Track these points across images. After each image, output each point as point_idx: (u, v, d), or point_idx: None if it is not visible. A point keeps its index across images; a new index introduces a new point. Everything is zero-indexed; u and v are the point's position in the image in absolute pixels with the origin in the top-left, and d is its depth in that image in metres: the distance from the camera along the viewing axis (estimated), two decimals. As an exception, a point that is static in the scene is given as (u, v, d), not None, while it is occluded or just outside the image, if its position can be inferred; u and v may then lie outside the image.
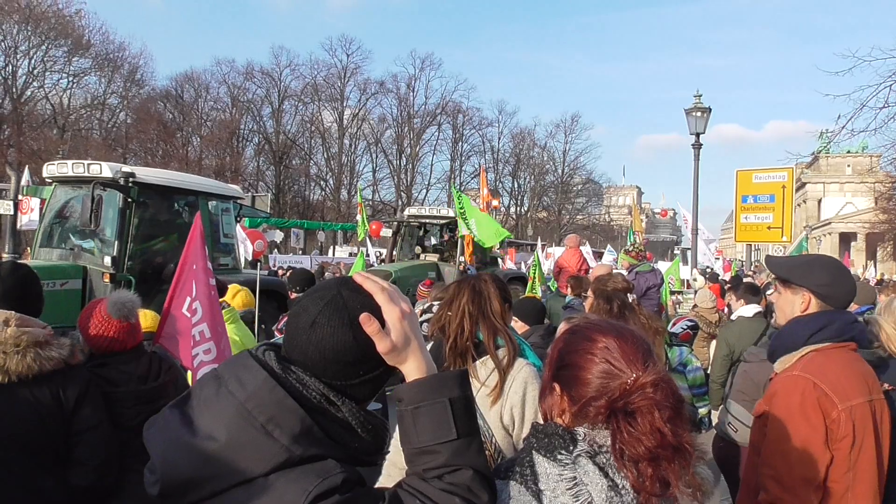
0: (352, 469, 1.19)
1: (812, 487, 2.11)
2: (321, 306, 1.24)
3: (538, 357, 2.86)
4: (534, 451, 1.32)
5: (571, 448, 1.29)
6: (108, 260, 7.24)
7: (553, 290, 10.36)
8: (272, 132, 53.09)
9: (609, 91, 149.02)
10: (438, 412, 1.19)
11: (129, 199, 7.46)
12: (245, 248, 17.02)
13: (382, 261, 16.51)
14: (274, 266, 21.14)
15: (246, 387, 1.19)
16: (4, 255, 8.11)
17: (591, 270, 8.48)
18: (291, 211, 50.46)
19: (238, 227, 18.03)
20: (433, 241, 15.92)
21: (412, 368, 1.25)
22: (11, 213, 8.22)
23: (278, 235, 23.38)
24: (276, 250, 20.70)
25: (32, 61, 40.29)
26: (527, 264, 19.31)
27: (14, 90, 39.57)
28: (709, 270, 17.81)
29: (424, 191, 57.79)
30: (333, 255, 30.78)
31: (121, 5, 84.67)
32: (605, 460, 1.27)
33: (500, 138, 60.44)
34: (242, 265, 10.49)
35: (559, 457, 1.28)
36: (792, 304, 2.43)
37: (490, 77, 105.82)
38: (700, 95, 15.35)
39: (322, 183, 55.93)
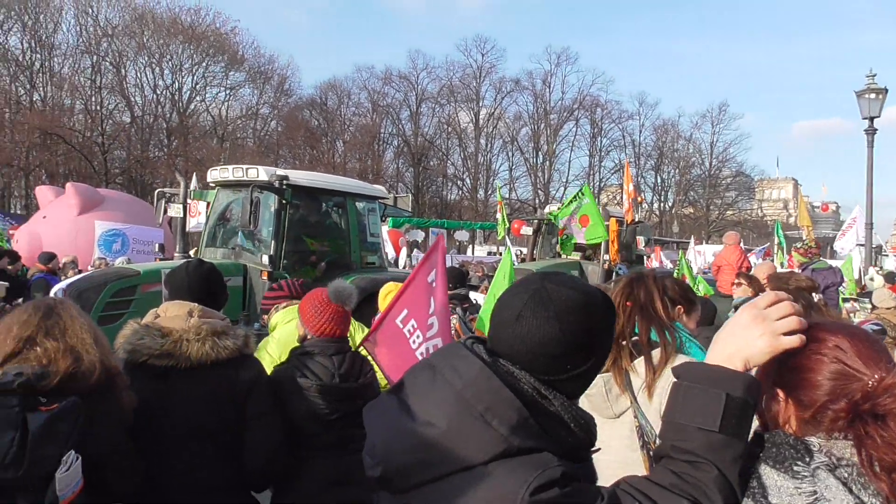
0: (569, 463, 1.19)
1: None
2: (525, 299, 1.25)
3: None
4: (761, 463, 1.22)
5: (808, 459, 1.18)
6: (265, 258, 7.61)
7: (711, 292, 9.72)
8: (410, 135, 54.51)
9: (759, 76, 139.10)
10: (710, 399, 1.16)
11: (284, 201, 7.82)
12: (391, 249, 17.52)
13: (523, 259, 16.33)
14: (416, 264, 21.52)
15: (462, 376, 1.21)
16: (176, 256, 8.74)
17: (752, 269, 7.89)
18: (430, 211, 51.54)
19: (384, 228, 18.75)
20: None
21: (718, 354, 1.22)
22: (182, 215, 8.86)
23: (420, 235, 23.86)
24: (415, 249, 21.15)
25: (195, 77, 44.14)
26: (673, 262, 18.38)
27: (180, 104, 43.55)
28: (882, 269, 16.09)
29: (562, 188, 56.96)
30: (473, 254, 31.06)
31: (270, 21, 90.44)
32: (846, 475, 1.15)
33: (641, 131, 58.29)
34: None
35: (796, 468, 1.18)
36: None
37: (629, 68, 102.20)
38: (874, 75, 13.84)
39: (459, 182, 56.71)
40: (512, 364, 1.24)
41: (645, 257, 16.61)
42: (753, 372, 1.22)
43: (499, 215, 16.16)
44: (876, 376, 1.18)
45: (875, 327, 6.01)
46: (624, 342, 2.50)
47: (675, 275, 11.18)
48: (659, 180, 59.06)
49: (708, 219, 56.53)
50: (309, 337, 3.14)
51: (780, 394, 1.29)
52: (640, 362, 2.46)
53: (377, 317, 4.12)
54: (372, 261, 9.14)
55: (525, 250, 17.12)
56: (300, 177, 8.35)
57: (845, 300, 9.14)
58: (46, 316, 2.20)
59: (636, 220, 13.38)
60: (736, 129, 58.43)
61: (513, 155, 56.98)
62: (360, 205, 9.00)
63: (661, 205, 58.87)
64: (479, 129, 55.85)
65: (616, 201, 48.37)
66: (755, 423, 1.37)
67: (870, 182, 13.93)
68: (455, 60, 55.63)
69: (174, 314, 2.64)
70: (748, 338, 1.20)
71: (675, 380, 1.23)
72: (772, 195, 79.51)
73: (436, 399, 1.22)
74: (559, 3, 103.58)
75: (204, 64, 44.14)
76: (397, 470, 1.22)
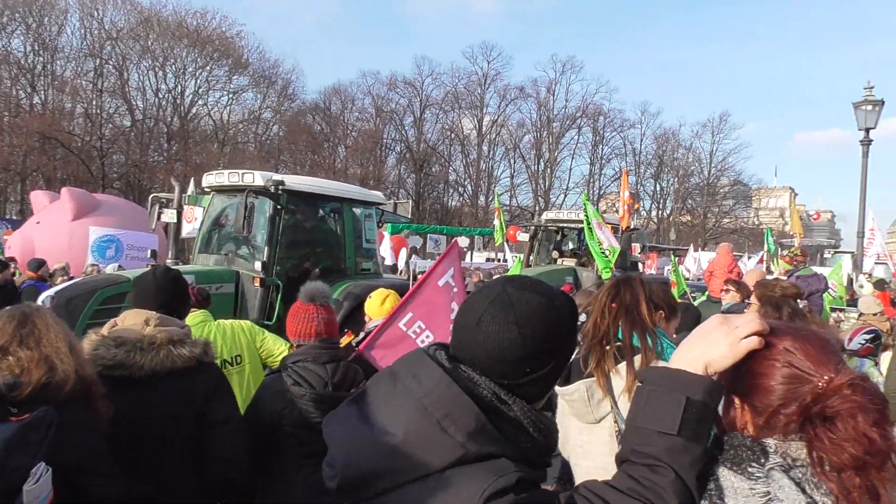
0: (527, 469, 1.19)
1: None
2: (486, 304, 1.25)
3: None
4: (719, 464, 1.24)
5: (763, 461, 1.20)
6: (258, 265, 7.60)
7: (704, 298, 9.75)
8: (413, 141, 54.55)
9: (761, 87, 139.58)
10: (671, 403, 1.16)
11: (279, 206, 7.81)
12: (389, 254, 17.49)
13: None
14: (415, 271, 21.57)
15: (423, 383, 1.21)
16: (168, 261, 8.75)
17: (743, 276, 7.92)
18: (430, 217, 51.52)
19: (385, 234, 18.74)
20: (571, 245, 15.56)
21: (680, 359, 1.23)
22: (175, 221, 8.86)
23: (418, 241, 23.90)
24: (414, 255, 21.17)
25: (198, 81, 44.18)
26: (667, 269, 18.37)
27: (182, 108, 43.57)
28: (872, 277, 16.09)
29: (562, 195, 57.04)
30: (471, 260, 31.03)
31: (276, 25, 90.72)
32: (800, 475, 1.17)
33: (642, 140, 58.41)
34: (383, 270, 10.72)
35: (750, 470, 1.19)
36: None
37: (633, 78, 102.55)
38: (871, 87, 13.90)
39: (460, 189, 56.73)
40: (473, 369, 1.24)
41: (640, 264, 16.65)
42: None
43: (496, 221, 16.23)
44: (826, 377, 1.20)
45: (868, 335, 6.01)
46: (608, 346, 2.50)
47: (670, 279, 11.19)
48: (658, 188, 59.18)
49: (705, 226, 56.54)
50: (295, 347, 3.12)
51: (736, 400, 1.30)
52: (623, 366, 2.46)
53: (374, 324, 4.14)
54: (367, 267, 9.13)
55: (522, 256, 17.10)
56: (296, 182, 8.35)
57: (833, 309, 9.16)
58: (21, 324, 2.19)
59: (631, 227, 13.39)
60: (736, 139, 58.97)
61: (514, 162, 57.07)
62: (356, 210, 9.00)
63: (660, 212, 58.91)
64: (482, 136, 55.90)
65: (615, 209, 48.43)
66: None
67: (863, 192, 13.99)
68: (461, 67, 56.07)
69: (131, 323, 2.63)
70: (711, 342, 1.22)
71: (639, 383, 1.25)
72: (769, 204, 79.43)
73: (395, 407, 1.22)
74: (567, 12, 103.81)
75: (208, 68, 44.22)
76: (355, 480, 1.22)
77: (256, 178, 7.78)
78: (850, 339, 6.01)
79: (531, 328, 1.24)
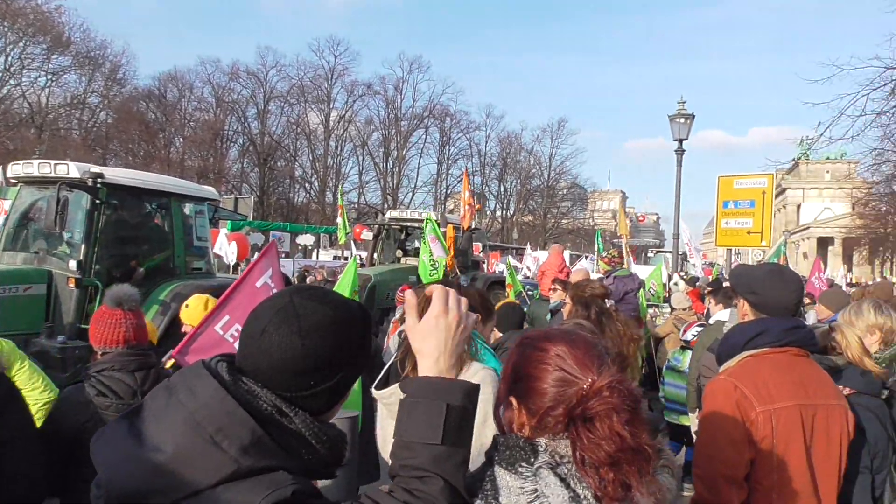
0: (305, 481, 1.18)
1: (732, 485, 2.18)
2: (271, 314, 1.24)
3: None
4: (495, 465, 1.31)
5: (532, 460, 1.27)
6: (73, 264, 7.00)
7: (536, 297, 10.28)
8: (257, 133, 52.81)
9: (596, 96, 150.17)
10: (432, 413, 1.19)
11: (98, 201, 7.21)
12: (228, 252, 16.77)
13: (363, 265, 16.31)
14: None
15: (197, 397, 1.18)
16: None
17: (571, 275, 8.42)
18: (276, 213, 50.12)
19: (223, 231, 17.92)
20: (416, 244, 15.74)
21: (428, 365, 1.26)
22: (-25, 214, 7.95)
23: (260, 238, 23.12)
24: (256, 253, 20.42)
25: (9, 58, 39.79)
26: (500, 271, 19.19)
27: (-9, 88, 39.07)
28: (686, 275, 17.83)
29: (411, 194, 57.74)
30: (317, 258, 30.53)
31: (103, 2, 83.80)
32: (566, 471, 1.26)
33: (487, 142, 60.56)
34: (217, 269, 10.29)
35: (520, 469, 1.27)
36: (741, 312, 2.64)
37: (478, 80, 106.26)
38: (684, 102, 15.32)
39: (307, 185, 55.67)
40: (255, 380, 1.22)
41: (482, 263, 17.22)
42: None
43: (339, 219, 16.08)
44: (589, 380, 1.28)
45: (700, 328, 6.60)
46: None
47: (506, 280, 11.71)
48: (502, 189, 61.61)
49: (545, 226, 59.70)
50: (101, 355, 2.93)
51: (514, 402, 1.37)
52: None
53: (189, 329, 3.96)
54: (199, 266, 8.69)
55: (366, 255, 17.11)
56: (117, 175, 7.74)
57: (649, 305, 10.06)
58: None
59: (472, 226, 13.82)
60: (573, 144, 62.76)
61: (363, 159, 56.98)
62: (186, 206, 8.55)
63: (504, 212, 61.35)
64: (329, 132, 55.20)
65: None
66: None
67: (678, 197, 15.41)
68: (307, 60, 54.77)
69: None
70: (438, 339, 1.27)
71: (402, 397, 1.26)
72: (603, 205, 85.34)
73: (167, 422, 1.18)
74: (414, 12, 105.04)
75: (21, 44, 39.87)
76: (120, 499, 1.17)
77: (71, 169, 7.16)
78: (685, 331, 6.62)
79: (316, 340, 1.22)
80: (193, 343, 3.37)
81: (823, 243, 66.35)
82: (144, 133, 47.25)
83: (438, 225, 10.78)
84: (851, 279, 36.72)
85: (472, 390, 1.25)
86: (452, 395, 1.21)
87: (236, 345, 3.28)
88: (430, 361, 1.26)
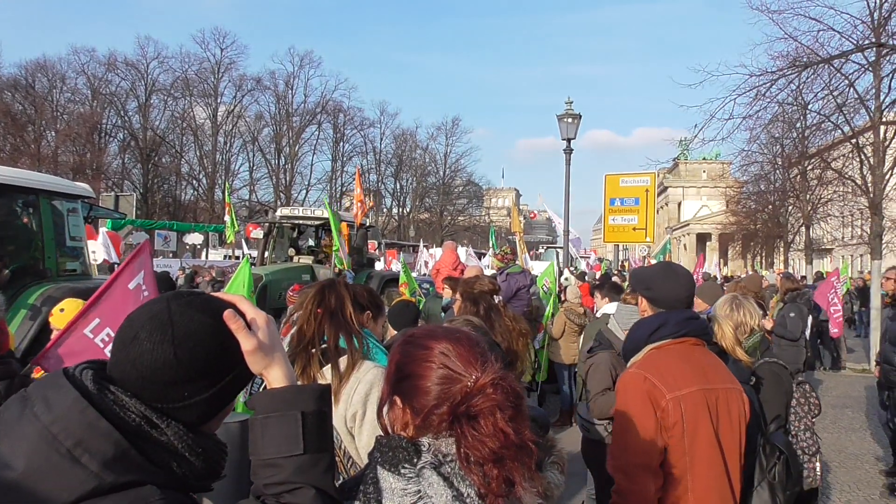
0: (177, 495, 1.12)
1: (648, 473, 2.26)
2: (144, 320, 1.16)
3: None
4: (378, 467, 1.29)
5: (415, 460, 1.26)
6: (-78, 267, 6.36)
7: (431, 291, 10.33)
8: (139, 128, 50.21)
9: (489, 95, 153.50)
10: (288, 424, 1.16)
11: (-49, 198, 6.61)
12: (109, 252, 15.93)
13: (253, 264, 15.80)
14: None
15: (53, 409, 1.09)
16: None
17: (465, 271, 8.51)
18: (161, 212, 47.82)
19: (102, 230, 16.88)
20: (310, 242, 15.41)
21: (276, 376, 1.22)
22: None
23: (143, 237, 21.95)
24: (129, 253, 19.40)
25: None
26: (395, 269, 19.20)
27: None
28: (576, 270, 18.50)
29: (304, 191, 56.65)
30: (207, 258, 29.36)
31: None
32: (450, 470, 1.24)
33: (382, 139, 60.41)
34: (96, 271, 9.63)
35: (403, 470, 1.25)
36: (640, 308, 2.78)
37: (371, 77, 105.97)
38: (571, 102, 15.81)
39: (194, 182, 53.46)
40: (124, 390, 1.14)
41: (376, 260, 17.12)
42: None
43: (227, 217, 15.51)
44: (473, 377, 1.27)
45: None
46: (314, 350, 2.52)
47: (399, 278, 11.70)
48: (398, 186, 61.60)
49: (442, 224, 60.24)
50: None
51: (398, 401, 1.35)
52: (328, 369, 2.49)
53: (55, 334, 3.69)
54: (73, 268, 8.11)
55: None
56: (-25, 170, 7.13)
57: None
58: None
59: (366, 223, 13.69)
60: (467, 142, 63.85)
61: (254, 155, 55.41)
62: (56, 204, 7.95)
63: (401, 210, 61.39)
64: (216, 127, 53.27)
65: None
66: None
67: (567, 195, 15.89)
68: (191, 52, 52.84)
69: None
70: (272, 344, 1.24)
71: (252, 415, 1.22)
72: (497, 203, 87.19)
73: (18, 436, 1.08)
74: (304, 5, 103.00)
75: None
76: None
77: (-81, 163, 6.49)
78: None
79: (189, 350, 1.14)
80: (59, 347, 3.12)
81: (702, 239, 70.88)
82: (11, 126, 43.80)
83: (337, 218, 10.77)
84: (728, 273, 39.28)
85: (325, 392, 1.23)
86: (305, 403, 1.19)
87: (107, 350, 3.09)
88: (279, 373, 1.22)
